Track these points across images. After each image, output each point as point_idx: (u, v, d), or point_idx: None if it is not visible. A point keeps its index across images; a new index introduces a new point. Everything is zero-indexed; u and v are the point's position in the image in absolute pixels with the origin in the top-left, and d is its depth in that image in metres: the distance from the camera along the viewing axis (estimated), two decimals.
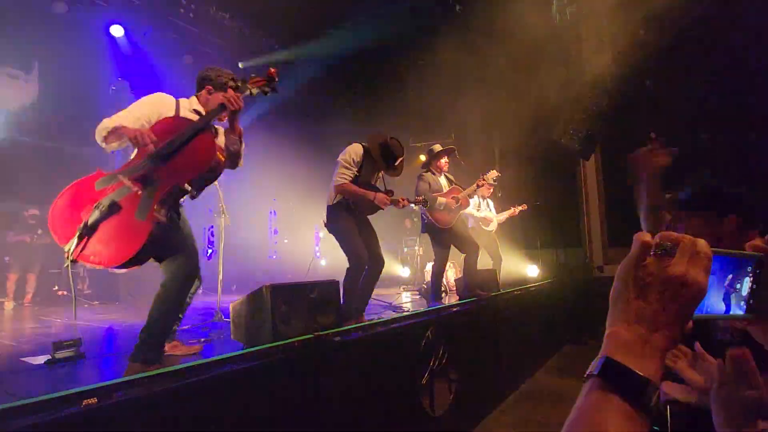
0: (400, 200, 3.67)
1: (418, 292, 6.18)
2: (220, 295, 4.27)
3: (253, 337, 2.52)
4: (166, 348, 2.43)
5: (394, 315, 3.60)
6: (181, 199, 2.49)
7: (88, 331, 3.61)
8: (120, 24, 6.80)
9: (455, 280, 5.36)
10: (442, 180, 4.62)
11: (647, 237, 0.50)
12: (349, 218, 3.48)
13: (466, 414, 3.59)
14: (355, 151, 3.51)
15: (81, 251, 1.99)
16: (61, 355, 2.34)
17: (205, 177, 2.41)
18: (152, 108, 2.38)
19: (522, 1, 6.06)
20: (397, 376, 2.90)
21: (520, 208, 6.46)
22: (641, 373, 0.44)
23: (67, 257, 1.97)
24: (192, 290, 2.61)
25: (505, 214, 6.38)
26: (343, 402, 2.42)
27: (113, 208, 2.07)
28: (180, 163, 2.24)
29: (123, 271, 2.77)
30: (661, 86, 6.59)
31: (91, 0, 6.38)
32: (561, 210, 8.00)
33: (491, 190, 6.17)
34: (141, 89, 7.09)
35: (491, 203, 6.27)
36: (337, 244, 3.54)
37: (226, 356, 1.99)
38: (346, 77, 8.92)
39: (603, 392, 0.45)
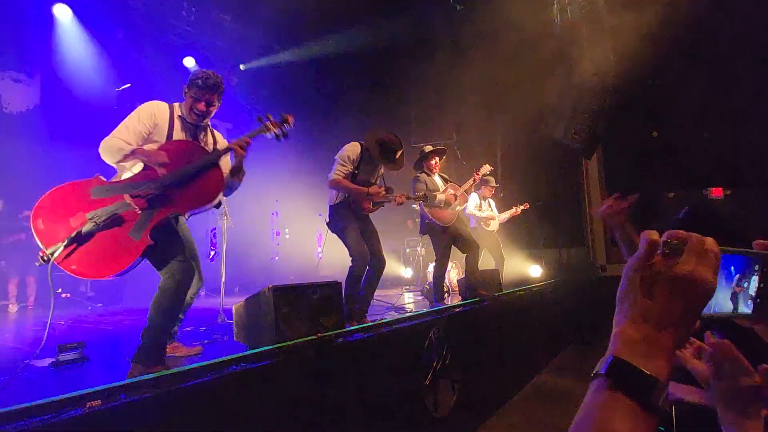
0: (399, 196, 3.69)
1: (420, 293, 6.17)
2: (222, 296, 4.27)
3: (256, 339, 2.52)
4: (168, 349, 2.43)
5: (397, 316, 3.59)
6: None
7: (91, 334, 3.62)
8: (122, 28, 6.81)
9: (457, 281, 5.35)
10: (437, 179, 4.63)
11: (655, 235, 0.49)
12: (351, 217, 3.49)
13: (470, 414, 3.59)
14: (351, 149, 3.53)
15: (65, 258, 1.96)
16: (65, 357, 2.34)
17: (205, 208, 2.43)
18: (148, 119, 2.38)
19: (523, 0, 6.06)
20: (401, 377, 2.90)
21: (521, 207, 6.45)
22: (649, 373, 0.44)
23: (45, 259, 1.94)
24: (193, 291, 2.60)
25: (507, 214, 6.37)
26: (346, 403, 2.42)
27: (109, 223, 2.05)
28: (187, 194, 2.24)
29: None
30: (663, 85, 6.58)
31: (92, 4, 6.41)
32: (563, 209, 7.98)
33: (492, 191, 6.17)
34: (142, 91, 7.12)
35: (493, 203, 6.26)
36: (339, 245, 3.55)
37: (229, 358, 1.99)
38: (347, 77, 8.92)
39: (610, 391, 0.44)
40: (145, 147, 2.32)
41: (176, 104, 2.54)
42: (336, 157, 3.55)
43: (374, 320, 3.30)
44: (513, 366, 4.54)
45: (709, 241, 0.48)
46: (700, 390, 1.28)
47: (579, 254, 7.82)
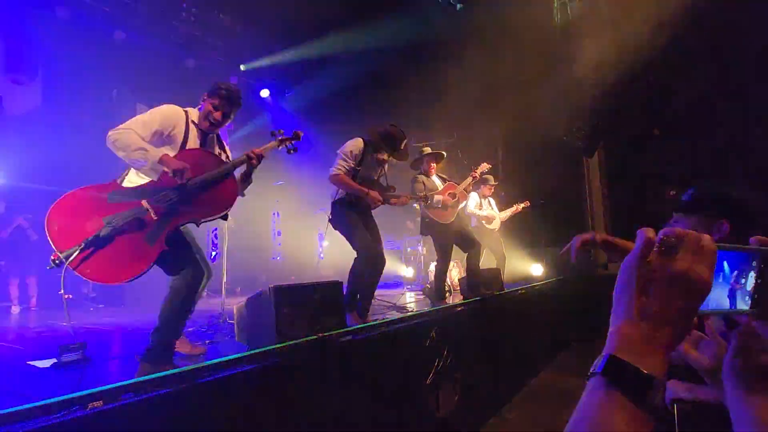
0: (402, 196, 3.70)
1: (421, 292, 6.16)
2: (224, 297, 4.28)
3: (257, 339, 2.53)
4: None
5: (399, 315, 3.59)
6: None
7: (93, 335, 3.63)
8: (122, 29, 6.82)
9: (459, 280, 5.35)
10: (435, 179, 4.65)
11: (651, 233, 0.49)
12: (353, 213, 3.48)
13: (472, 414, 3.58)
14: (354, 144, 3.50)
15: (80, 262, 1.96)
16: (67, 358, 2.35)
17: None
18: (168, 123, 2.41)
19: None
20: (402, 376, 2.89)
21: (522, 205, 6.45)
22: (645, 371, 0.44)
23: (57, 263, 1.94)
24: (201, 284, 2.62)
25: (508, 212, 6.36)
26: (347, 403, 2.42)
27: (125, 228, 2.07)
28: (204, 201, 2.30)
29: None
30: (665, 81, 6.56)
31: (93, 5, 6.41)
32: (565, 208, 7.97)
33: (492, 189, 6.17)
34: (143, 93, 7.12)
35: (493, 202, 6.26)
36: (340, 244, 3.54)
37: (231, 358, 2.00)
38: (348, 76, 8.92)
39: (606, 390, 0.44)
40: (161, 151, 2.32)
41: (189, 109, 2.57)
42: (338, 151, 3.52)
43: (375, 320, 3.29)
44: (514, 365, 4.54)
45: (706, 238, 0.48)
46: (700, 386, 1.28)
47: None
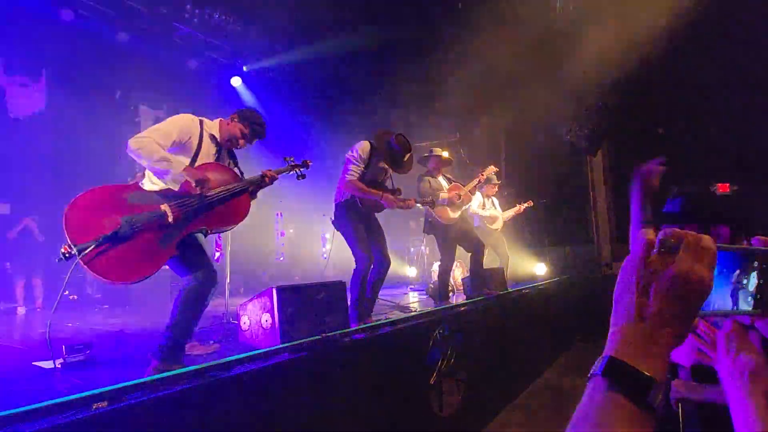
0: (408, 201, 3.69)
1: (425, 292, 6.16)
2: (228, 297, 4.29)
3: (261, 339, 2.54)
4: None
5: (402, 315, 3.59)
6: None
7: (98, 335, 3.64)
8: (125, 31, 6.86)
9: (462, 279, 5.34)
10: (441, 179, 4.64)
11: (651, 234, 0.49)
12: (356, 217, 3.47)
13: (475, 414, 3.58)
14: (362, 147, 3.50)
15: (94, 258, 1.96)
16: (72, 359, 2.36)
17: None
18: (185, 133, 2.47)
19: None
20: (405, 376, 2.90)
21: (525, 204, 6.43)
22: (645, 372, 0.44)
23: (67, 255, 1.94)
24: (213, 286, 2.64)
25: (511, 212, 6.35)
26: (351, 403, 2.42)
27: (142, 229, 2.09)
28: (220, 213, 2.41)
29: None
30: (669, 80, 6.53)
31: (96, 7, 6.44)
32: (568, 207, 7.94)
33: (495, 188, 6.15)
34: (146, 94, 7.16)
35: (496, 201, 6.24)
36: (345, 246, 3.53)
37: (234, 358, 2.01)
38: (350, 76, 8.92)
39: (607, 392, 0.44)
40: (179, 159, 2.39)
41: (206, 121, 2.64)
42: (348, 156, 3.51)
43: (379, 320, 3.30)
44: (518, 365, 4.53)
45: (706, 239, 0.48)
46: (704, 386, 1.27)
47: (584, 252, 7.77)
